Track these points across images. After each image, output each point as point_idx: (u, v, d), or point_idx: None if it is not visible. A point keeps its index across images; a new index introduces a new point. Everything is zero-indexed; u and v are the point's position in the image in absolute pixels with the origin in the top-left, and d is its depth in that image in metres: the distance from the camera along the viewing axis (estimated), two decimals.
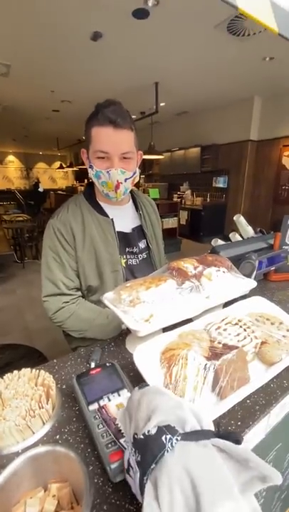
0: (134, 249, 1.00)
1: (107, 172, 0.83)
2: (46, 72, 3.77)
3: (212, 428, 0.36)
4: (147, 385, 0.43)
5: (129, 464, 0.36)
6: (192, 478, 0.30)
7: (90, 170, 0.87)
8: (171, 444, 0.32)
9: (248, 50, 3.19)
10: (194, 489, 0.29)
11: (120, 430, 0.44)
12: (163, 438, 0.33)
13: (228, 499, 0.29)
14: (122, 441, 0.45)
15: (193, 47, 3.10)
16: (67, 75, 3.91)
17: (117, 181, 0.84)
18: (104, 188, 0.87)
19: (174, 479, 0.30)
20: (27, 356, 1.22)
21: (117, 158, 0.82)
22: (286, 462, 0.79)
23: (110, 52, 3.23)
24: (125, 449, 0.41)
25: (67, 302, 0.91)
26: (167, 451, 0.32)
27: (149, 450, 0.33)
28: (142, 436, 0.35)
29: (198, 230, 5.86)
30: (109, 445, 0.46)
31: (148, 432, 0.34)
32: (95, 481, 0.43)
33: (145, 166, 7.82)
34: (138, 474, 0.33)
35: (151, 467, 0.32)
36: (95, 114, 0.81)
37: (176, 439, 0.33)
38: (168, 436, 0.33)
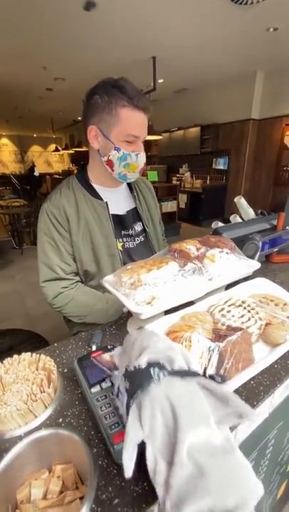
0: (131, 232, 0.98)
1: (136, 155, 0.84)
2: (37, 46, 3.55)
3: (200, 372, 0.40)
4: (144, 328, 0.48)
5: (118, 390, 0.40)
6: (173, 405, 0.34)
7: (115, 152, 0.82)
8: (159, 377, 0.36)
9: (251, 20, 3.00)
10: (174, 413, 0.33)
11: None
12: (151, 371, 0.37)
13: (203, 425, 0.33)
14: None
15: (192, 16, 2.91)
16: (59, 50, 3.69)
17: (144, 164, 0.88)
18: (124, 169, 0.86)
19: (156, 403, 0.34)
20: (28, 341, 1.22)
21: (140, 142, 0.85)
22: (286, 439, 0.81)
23: (105, 24, 3.03)
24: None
25: (66, 287, 0.90)
26: (154, 382, 0.36)
27: (138, 380, 0.36)
28: (132, 369, 0.38)
29: (197, 214, 5.78)
30: (113, 426, 0.45)
31: (138, 365, 0.38)
32: (100, 463, 0.42)
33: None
34: (125, 398, 0.37)
35: (138, 393, 0.36)
36: (121, 93, 0.76)
37: (164, 374, 0.37)
38: (156, 370, 0.37)
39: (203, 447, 0.31)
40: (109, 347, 0.61)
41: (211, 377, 0.39)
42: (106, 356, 0.54)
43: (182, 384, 0.36)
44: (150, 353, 0.39)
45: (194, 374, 0.38)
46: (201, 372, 0.39)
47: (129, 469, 0.32)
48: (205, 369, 0.40)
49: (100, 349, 0.60)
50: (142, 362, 0.38)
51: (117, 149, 0.82)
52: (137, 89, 0.80)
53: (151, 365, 0.37)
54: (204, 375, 0.39)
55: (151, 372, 0.36)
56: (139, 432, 0.33)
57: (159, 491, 0.31)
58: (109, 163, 0.85)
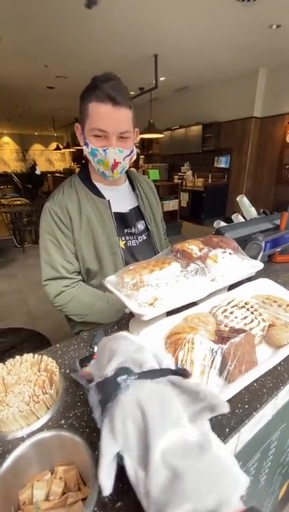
0: (133, 230, 0.98)
1: (104, 150, 0.80)
2: (39, 44, 3.54)
3: (172, 368, 0.39)
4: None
5: (93, 404, 0.39)
6: (143, 411, 0.33)
7: (85, 147, 0.83)
8: (126, 383, 0.35)
9: (253, 17, 2.97)
10: (145, 419, 0.32)
11: None
12: (118, 379, 0.36)
13: (175, 427, 0.32)
14: None
15: (194, 13, 2.89)
16: (61, 48, 3.68)
17: (114, 160, 0.82)
18: (100, 166, 0.84)
19: (126, 413, 0.33)
20: (30, 340, 1.22)
21: (114, 137, 0.79)
22: None
23: (106, 21, 3.01)
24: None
25: (68, 286, 0.90)
26: (123, 389, 0.35)
27: (107, 390, 0.36)
28: (101, 379, 0.37)
29: (199, 213, 5.76)
30: None
31: (106, 375, 0.37)
32: None
33: (144, 146, 7.57)
34: (99, 411, 0.36)
35: (108, 405, 0.35)
36: (92, 88, 0.75)
37: (131, 379, 0.35)
38: (123, 377, 0.36)
39: (177, 449, 0.30)
40: None
41: (175, 371, 0.38)
42: (87, 369, 0.53)
43: (152, 386, 0.35)
44: (119, 357, 0.38)
45: (165, 373, 0.37)
46: (173, 367, 0.39)
47: (106, 488, 0.31)
48: (178, 365, 0.40)
49: None
50: (110, 370, 0.37)
51: (86, 144, 0.81)
52: (108, 80, 0.74)
53: (118, 372, 0.36)
54: (176, 369, 0.38)
55: (119, 380, 0.35)
56: (114, 445, 0.32)
57: (143, 501, 0.29)
58: (87, 159, 0.86)
